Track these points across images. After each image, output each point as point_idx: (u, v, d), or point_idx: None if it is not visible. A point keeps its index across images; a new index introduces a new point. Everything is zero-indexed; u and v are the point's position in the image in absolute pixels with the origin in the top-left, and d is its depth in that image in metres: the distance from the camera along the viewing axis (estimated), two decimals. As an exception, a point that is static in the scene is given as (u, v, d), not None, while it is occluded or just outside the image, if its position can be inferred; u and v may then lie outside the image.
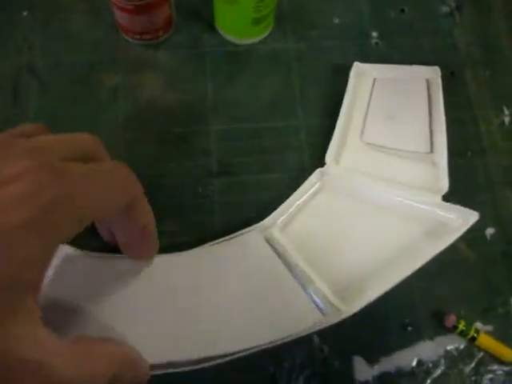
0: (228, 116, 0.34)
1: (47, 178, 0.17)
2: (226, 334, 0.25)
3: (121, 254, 0.27)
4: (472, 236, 0.31)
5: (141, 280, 0.26)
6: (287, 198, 0.31)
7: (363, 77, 0.35)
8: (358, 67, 0.35)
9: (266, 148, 0.34)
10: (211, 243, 0.29)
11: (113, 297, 0.25)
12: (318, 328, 0.26)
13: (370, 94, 0.35)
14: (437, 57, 0.37)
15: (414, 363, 0.30)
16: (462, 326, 0.30)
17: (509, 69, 0.38)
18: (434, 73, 0.35)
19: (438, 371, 0.30)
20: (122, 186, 0.22)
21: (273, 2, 0.34)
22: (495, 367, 0.30)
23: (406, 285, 0.27)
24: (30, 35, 0.35)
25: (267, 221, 0.30)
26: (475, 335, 0.30)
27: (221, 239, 0.29)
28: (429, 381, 0.29)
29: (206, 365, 0.24)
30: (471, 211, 0.29)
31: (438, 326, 0.30)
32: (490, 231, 0.33)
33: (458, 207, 0.29)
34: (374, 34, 0.38)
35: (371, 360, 0.29)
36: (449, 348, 0.30)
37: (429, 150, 0.33)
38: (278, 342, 0.25)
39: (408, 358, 0.30)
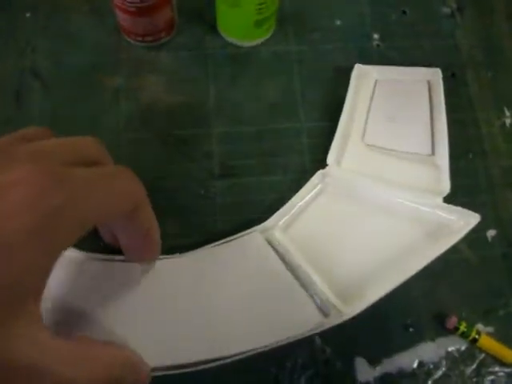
0: (230, 118, 0.34)
1: (49, 184, 0.17)
2: (227, 335, 0.25)
3: (122, 255, 0.27)
4: (473, 237, 0.31)
5: (142, 282, 0.26)
6: (289, 199, 0.31)
7: (365, 78, 0.35)
8: (359, 69, 0.35)
9: (267, 150, 0.34)
10: (213, 245, 0.29)
11: (114, 299, 0.25)
12: (319, 329, 0.26)
13: (372, 96, 0.35)
14: (438, 58, 0.37)
15: (416, 364, 0.30)
16: (463, 328, 0.30)
17: (510, 70, 0.38)
18: (435, 74, 0.35)
19: (439, 372, 0.30)
20: (125, 191, 0.21)
21: (274, 5, 0.34)
22: (496, 369, 0.30)
23: (407, 286, 0.27)
24: (32, 37, 0.35)
25: (269, 222, 0.30)
26: (476, 337, 0.30)
27: (222, 241, 0.29)
28: (430, 382, 0.29)
29: (207, 366, 0.24)
30: (472, 213, 0.29)
31: (440, 328, 0.30)
32: (491, 233, 0.33)
33: (459, 209, 0.29)
34: (376, 35, 0.38)
35: (373, 361, 0.29)
36: (450, 349, 0.30)
37: (430, 152, 0.33)
38: (280, 344, 0.25)
39: (409, 359, 0.30)
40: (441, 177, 0.31)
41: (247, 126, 0.34)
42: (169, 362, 0.24)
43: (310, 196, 0.31)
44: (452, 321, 0.30)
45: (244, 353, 0.24)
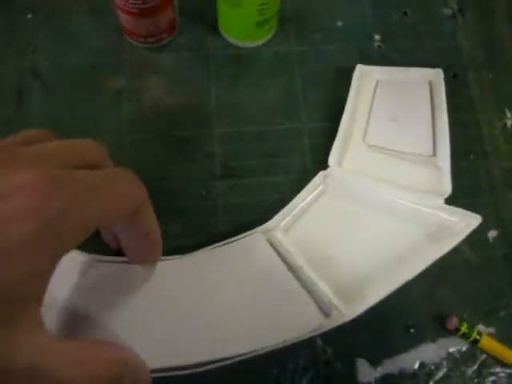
0: (231, 119, 0.34)
1: (50, 189, 0.17)
2: (228, 337, 0.25)
3: (124, 256, 0.27)
4: (474, 238, 0.31)
5: (143, 284, 0.26)
6: (290, 200, 0.31)
7: (366, 79, 0.35)
8: (360, 69, 0.35)
9: (269, 151, 0.34)
10: (214, 246, 0.29)
11: (115, 300, 0.25)
12: (321, 331, 0.26)
13: (373, 97, 0.35)
14: (439, 59, 0.37)
15: (417, 365, 0.30)
16: (464, 329, 0.30)
17: None
18: (436, 75, 0.35)
19: (441, 373, 0.30)
20: (126, 193, 0.21)
21: (276, 5, 0.34)
22: (498, 369, 0.30)
23: (408, 287, 0.27)
24: (33, 38, 0.35)
25: (270, 223, 0.30)
26: (478, 337, 0.30)
27: (223, 242, 0.29)
28: (431, 383, 0.29)
29: (208, 368, 0.24)
30: (474, 214, 0.29)
31: (441, 329, 0.30)
32: (492, 234, 0.33)
33: (461, 210, 0.29)
34: (377, 36, 0.38)
35: (374, 362, 0.29)
36: (451, 350, 0.30)
37: (431, 153, 0.33)
38: (282, 345, 0.25)
39: (410, 360, 0.30)
40: (442, 178, 0.31)
41: (249, 127, 0.34)
42: (169, 364, 0.24)
43: (311, 197, 0.31)
44: (453, 322, 0.30)
45: (245, 354, 0.24)
